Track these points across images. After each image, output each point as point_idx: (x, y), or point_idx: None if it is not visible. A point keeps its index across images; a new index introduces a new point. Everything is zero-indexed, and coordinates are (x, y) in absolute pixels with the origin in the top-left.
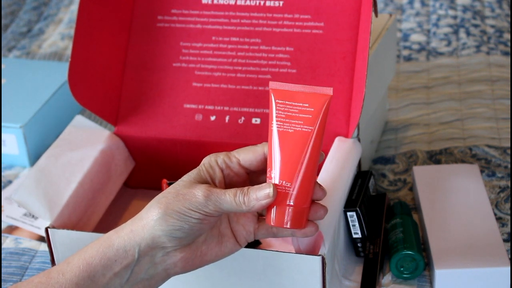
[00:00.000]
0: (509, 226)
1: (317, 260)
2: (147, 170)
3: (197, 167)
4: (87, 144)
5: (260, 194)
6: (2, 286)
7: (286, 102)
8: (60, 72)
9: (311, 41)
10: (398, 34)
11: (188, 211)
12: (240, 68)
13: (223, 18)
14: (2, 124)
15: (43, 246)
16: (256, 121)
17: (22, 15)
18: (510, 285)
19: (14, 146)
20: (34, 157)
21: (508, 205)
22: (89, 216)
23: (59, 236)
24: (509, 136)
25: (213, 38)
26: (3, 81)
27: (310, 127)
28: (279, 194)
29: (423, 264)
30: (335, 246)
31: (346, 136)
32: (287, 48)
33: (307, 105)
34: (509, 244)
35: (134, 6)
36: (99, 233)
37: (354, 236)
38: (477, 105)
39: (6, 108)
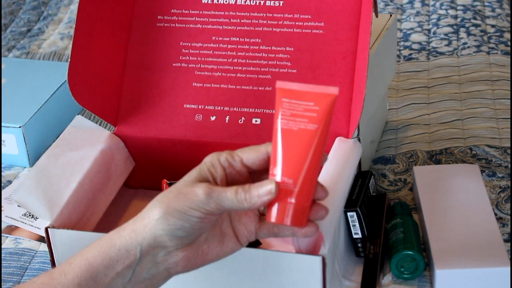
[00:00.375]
0: (509, 226)
1: (317, 260)
2: (147, 170)
3: (198, 166)
4: (87, 144)
5: (262, 191)
6: (2, 286)
7: (292, 101)
8: (60, 72)
9: (311, 41)
10: (398, 34)
11: (189, 210)
12: (240, 68)
13: (223, 18)
14: (2, 124)
15: (43, 246)
16: (256, 121)
17: (22, 15)
18: (510, 285)
19: (14, 146)
20: (34, 157)
21: (508, 205)
22: (89, 216)
23: (59, 236)
24: (509, 136)
25: (213, 38)
26: (3, 81)
27: (315, 125)
28: (281, 191)
29: (423, 264)
30: (335, 246)
31: (347, 136)
32: (287, 48)
33: (312, 103)
34: (509, 244)
35: (134, 6)
36: (99, 232)
37: (355, 236)
38: (478, 105)
39: (6, 108)
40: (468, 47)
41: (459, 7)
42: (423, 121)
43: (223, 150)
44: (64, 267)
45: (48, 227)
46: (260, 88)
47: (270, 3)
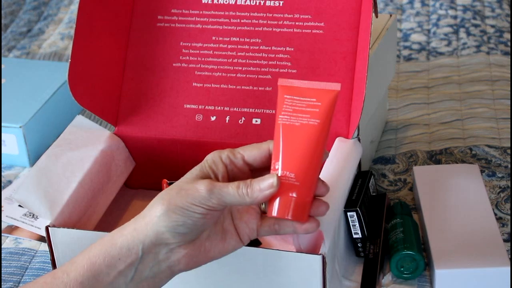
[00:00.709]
0: (509, 226)
1: (317, 259)
2: (147, 170)
3: (200, 163)
4: (87, 144)
5: (264, 185)
6: (2, 286)
7: (294, 97)
8: (60, 72)
9: (312, 41)
10: (398, 34)
11: (191, 206)
12: (240, 68)
13: (223, 18)
14: (2, 124)
15: (43, 246)
16: (256, 121)
17: (22, 15)
18: (510, 285)
19: (14, 146)
20: (34, 157)
21: (508, 205)
22: (89, 216)
23: (59, 235)
24: (509, 136)
25: (213, 38)
26: (3, 81)
27: (317, 120)
28: (282, 185)
29: (423, 264)
30: (335, 246)
31: (347, 136)
32: (287, 48)
33: (314, 99)
34: (509, 244)
35: (134, 6)
36: (100, 231)
37: (355, 236)
38: (477, 105)
39: (6, 108)
40: (468, 47)
41: (459, 7)
42: (423, 121)
43: None
44: (67, 267)
45: (49, 225)
46: (260, 88)
47: (270, 3)
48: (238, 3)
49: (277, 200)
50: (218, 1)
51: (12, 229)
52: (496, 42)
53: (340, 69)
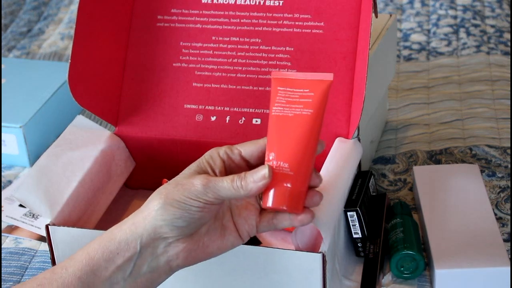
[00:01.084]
0: (509, 226)
1: (317, 257)
2: (148, 171)
3: (198, 159)
4: (87, 144)
5: (257, 176)
6: (2, 286)
7: (287, 89)
8: (60, 72)
9: (311, 41)
10: (398, 34)
11: (187, 200)
12: (240, 68)
13: (223, 18)
14: (2, 124)
15: (43, 246)
16: (256, 121)
17: (22, 15)
18: (510, 285)
19: (14, 146)
20: (34, 157)
21: (508, 205)
22: (89, 216)
23: (59, 234)
24: (509, 136)
25: (213, 38)
26: (3, 81)
27: (310, 110)
28: (276, 175)
29: (423, 264)
30: (335, 245)
31: (347, 136)
32: (287, 48)
33: (307, 90)
34: (509, 244)
35: (134, 6)
36: (100, 230)
37: (354, 236)
38: (477, 105)
39: (6, 108)
40: (468, 47)
41: (458, 7)
42: (423, 121)
43: None
44: (66, 262)
45: (49, 224)
46: (260, 88)
47: (270, 2)
48: (237, 3)
49: (272, 191)
50: (218, 0)
51: (12, 229)
52: (496, 42)
53: (340, 69)
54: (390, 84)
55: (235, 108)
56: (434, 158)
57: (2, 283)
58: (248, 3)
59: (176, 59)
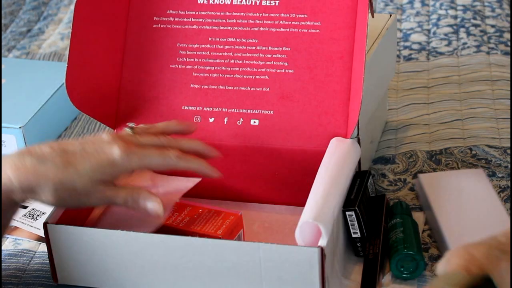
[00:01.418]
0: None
1: (315, 251)
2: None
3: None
4: None
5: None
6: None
7: None
8: (60, 72)
9: (308, 40)
10: (398, 34)
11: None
12: (237, 69)
13: (219, 19)
14: (2, 124)
15: (42, 247)
16: (254, 122)
17: (22, 15)
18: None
19: (14, 147)
20: None
21: (508, 205)
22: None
23: (57, 232)
24: (509, 136)
25: (210, 39)
26: (3, 81)
27: None
28: None
29: (423, 264)
30: (335, 245)
31: (345, 136)
32: (284, 48)
33: None
34: None
35: (130, 8)
36: (98, 228)
37: (354, 236)
38: (477, 105)
39: (6, 108)
40: (468, 47)
41: (459, 7)
42: (423, 121)
43: (222, 151)
44: None
45: (47, 222)
46: (258, 89)
47: (266, 3)
48: (234, 3)
49: None
50: (214, 1)
51: (11, 229)
52: (496, 42)
53: (337, 69)
54: (390, 84)
55: (233, 109)
56: (434, 158)
57: (2, 285)
58: (244, 3)
59: (173, 60)
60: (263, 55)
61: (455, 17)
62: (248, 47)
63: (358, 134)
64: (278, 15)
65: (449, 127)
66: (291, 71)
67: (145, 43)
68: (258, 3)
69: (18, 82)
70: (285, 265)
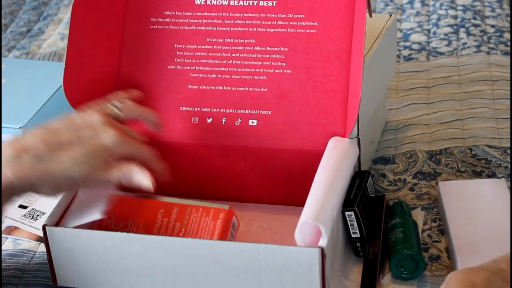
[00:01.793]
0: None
1: (316, 252)
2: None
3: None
4: None
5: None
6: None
7: None
8: (60, 72)
9: (306, 40)
10: (398, 34)
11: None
12: (235, 69)
13: (217, 19)
14: (2, 124)
15: (42, 247)
16: (253, 122)
17: (22, 15)
18: None
19: None
20: None
21: None
22: None
23: (56, 234)
24: (509, 136)
25: (207, 39)
26: (3, 81)
27: None
28: None
29: (423, 264)
30: (334, 245)
31: (343, 136)
32: (282, 49)
33: None
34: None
35: (127, 9)
36: (97, 230)
37: (353, 236)
38: (477, 105)
39: (6, 108)
40: (468, 47)
41: (459, 7)
42: (423, 121)
43: (221, 152)
44: None
45: (46, 224)
46: (255, 89)
47: (263, 3)
48: (231, 3)
49: None
50: (211, 2)
51: (11, 229)
52: (496, 42)
53: (335, 69)
54: (390, 84)
55: (231, 110)
56: (434, 158)
57: (2, 285)
58: (242, 4)
59: (171, 61)
60: (260, 56)
61: (455, 17)
62: (245, 48)
63: (358, 134)
64: (275, 15)
65: (449, 127)
66: (289, 71)
67: (142, 44)
68: (255, 4)
69: (18, 82)
70: (285, 265)
